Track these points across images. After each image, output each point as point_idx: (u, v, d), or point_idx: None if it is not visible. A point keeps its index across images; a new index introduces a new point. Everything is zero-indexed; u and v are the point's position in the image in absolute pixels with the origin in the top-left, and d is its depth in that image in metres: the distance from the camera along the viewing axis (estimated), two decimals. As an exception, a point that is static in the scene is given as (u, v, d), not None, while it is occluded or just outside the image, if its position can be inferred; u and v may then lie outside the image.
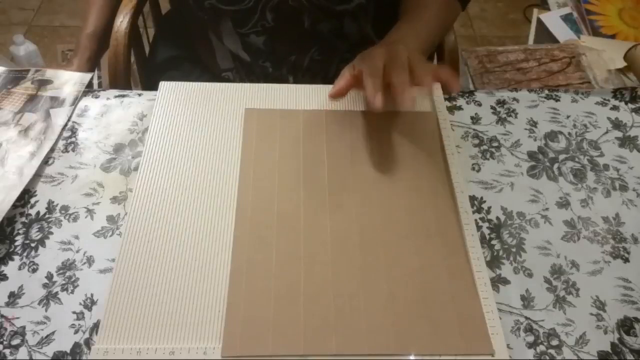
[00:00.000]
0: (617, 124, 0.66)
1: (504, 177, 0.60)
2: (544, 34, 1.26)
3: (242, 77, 0.80)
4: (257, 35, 0.74)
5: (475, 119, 0.65)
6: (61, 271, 0.51)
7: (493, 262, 0.53)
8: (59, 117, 0.63)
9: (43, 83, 0.66)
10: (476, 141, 0.63)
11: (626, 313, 0.50)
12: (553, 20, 1.28)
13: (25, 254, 0.52)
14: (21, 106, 0.64)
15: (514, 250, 0.54)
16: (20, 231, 0.54)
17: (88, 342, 0.47)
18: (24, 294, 0.50)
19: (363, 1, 0.71)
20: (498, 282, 0.52)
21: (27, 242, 0.53)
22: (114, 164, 0.59)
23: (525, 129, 0.65)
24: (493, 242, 0.55)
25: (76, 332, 0.47)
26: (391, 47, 0.59)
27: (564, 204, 0.58)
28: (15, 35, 1.55)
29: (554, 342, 0.48)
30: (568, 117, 0.66)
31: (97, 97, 0.66)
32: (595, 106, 0.67)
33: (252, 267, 0.50)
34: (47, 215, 0.55)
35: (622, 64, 0.98)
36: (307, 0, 0.70)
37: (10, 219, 0.55)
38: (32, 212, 0.55)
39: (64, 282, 0.50)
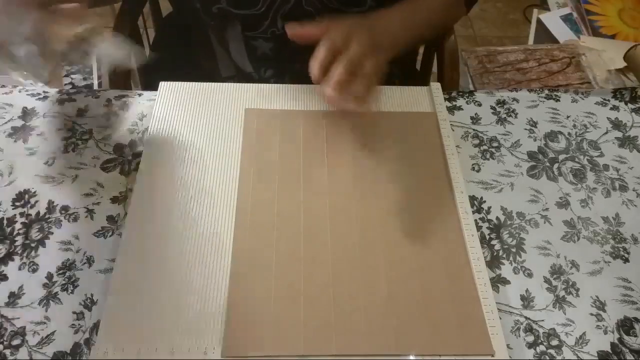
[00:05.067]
0: (617, 124, 0.66)
1: (504, 177, 0.60)
2: (544, 34, 1.26)
3: None
4: (265, 41, 0.74)
5: (475, 119, 0.65)
6: (61, 271, 0.51)
7: (493, 262, 0.53)
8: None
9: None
10: (476, 141, 0.63)
11: (626, 313, 0.50)
12: (553, 20, 1.28)
13: (25, 254, 0.52)
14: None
15: (513, 250, 0.54)
16: (20, 231, 0.54)
17: (88, 342, 0.47)
18: (24, 294, 0.50)
19: (374, 3, 0.71)
20: (498, 282, 0.52)
21: (27, 242, 0.53)
22: (114, 164, 0.59)
23: (525, 129, 0.65)
24: (493, 242, 0.55)
25: (76, 332, 0.47)
26: (366, 49, 0.57)
27: (563, 204, 0.58)
28: (15, 35, 1.54)
29: (554, 342, 0.48)
30: (568, 117, 0.66)
31: (97, 97, 0.66)
32: (595, 106, 0.68)
33: (252, 267, 0.50)
34: (47, 215, 0.55)
35: (622, 64, 0.98)
36: (322, 3, 0.69)
37: (10, 219, 0.55)
38: (32, 212, 0.55)
39: (64, 282, 0.50)
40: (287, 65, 0.77)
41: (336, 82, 0.54)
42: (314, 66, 0.56)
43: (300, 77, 0.77)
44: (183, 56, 0.85)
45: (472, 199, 0.58)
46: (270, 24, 0.71)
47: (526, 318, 0.49)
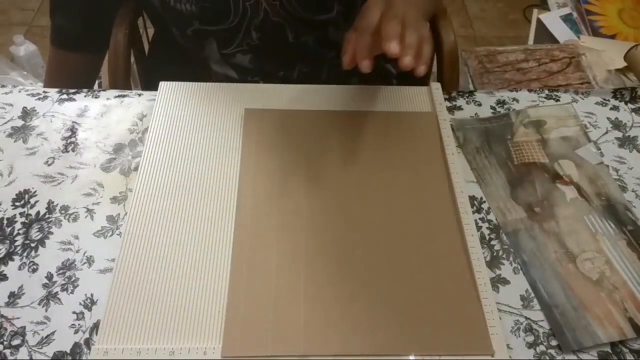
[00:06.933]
0: (617, 124, 0.66)
1: (503, 177, 0.60)
2: (544, 34, 1.26)
3: None
4: (242, 54, 0.74)
5: (475, 119, 0.65)
6: (61, 271, 0.51)
7: (493, 262, 0.53)
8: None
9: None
10: (476, 141, 0.63)
11: (626, 313, 0.50)
12: (553, 20, 1.28)
13: (25, 254, 0.52)
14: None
15: (513, 250, 0.54)
16: (20, 231, 0.54)
17: (88, 342, 0.47)
18: (24, 294, 0.50)
19: (342, 8, 0.71)
20: (498, 282, 0.52)
21: (27, 242, 0.53)
22: (114, 164, 0.59)
23: (525, 129, 0.65)
24: (493, 242, 0.55)
25: (76, 332, 0.47)
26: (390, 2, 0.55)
27: (563, 204, 0.58)
28: (15, 35, 1.55)
29: (554, 342, 0.48)
30: (568, 117, 0.66)
31: (97, 97, 0.66)
32: (595, 106, 0.68)
33: (252, 267, 0.50)
34: (47, 215, 0.55)
35: (622, 64, 0.98)
36: (289, 13, 0.69)
37: (10, 219, 0.55)
38: (32, 212, 0.55)
39: (64, 282, 0.50)
40: (271, 74, 0.77)
41: (395, 36, 0.51)
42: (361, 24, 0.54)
43: (286, 81, 0.77)
44: (181, 56, 0.85)
45: (472, 199, 0.58)
46: (244, 36, 0.71)
47: (526, 318, 0.49)
